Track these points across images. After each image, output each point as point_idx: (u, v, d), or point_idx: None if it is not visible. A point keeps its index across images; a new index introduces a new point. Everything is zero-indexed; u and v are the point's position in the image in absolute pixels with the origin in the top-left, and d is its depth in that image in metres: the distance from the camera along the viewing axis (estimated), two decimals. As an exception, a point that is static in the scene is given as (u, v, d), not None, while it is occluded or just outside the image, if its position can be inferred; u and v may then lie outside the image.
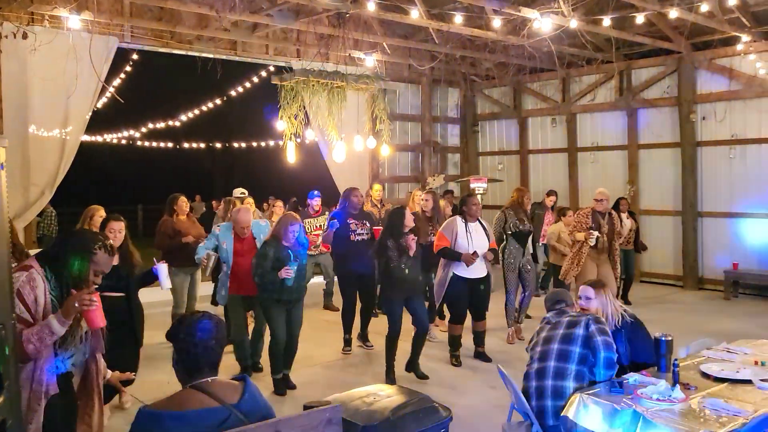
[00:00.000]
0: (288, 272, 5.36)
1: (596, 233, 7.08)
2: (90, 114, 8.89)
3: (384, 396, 3.23)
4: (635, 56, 11.15)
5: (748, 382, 3.56)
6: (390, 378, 5.86)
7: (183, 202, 7.13)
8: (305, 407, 2.66)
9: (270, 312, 5.64)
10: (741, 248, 10.00)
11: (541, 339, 3.99)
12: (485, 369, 6.25)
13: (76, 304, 2.85)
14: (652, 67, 11.00)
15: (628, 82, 11.29)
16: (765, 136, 9.75)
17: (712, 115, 10.29)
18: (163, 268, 4.84)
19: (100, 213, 5.79)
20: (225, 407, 2.37)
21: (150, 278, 4.92)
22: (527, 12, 7.97)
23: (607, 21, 8.41)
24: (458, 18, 8.54)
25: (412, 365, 6.08)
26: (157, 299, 8.69)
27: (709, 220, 10.43)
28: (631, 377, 3.66)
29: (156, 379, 5.56)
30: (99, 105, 9.17)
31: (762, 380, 3.56)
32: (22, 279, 2.84)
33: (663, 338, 3.86)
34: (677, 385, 3.42)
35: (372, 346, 7.11)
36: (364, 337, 7.22)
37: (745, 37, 9.27)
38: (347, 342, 7.06)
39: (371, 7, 7.35)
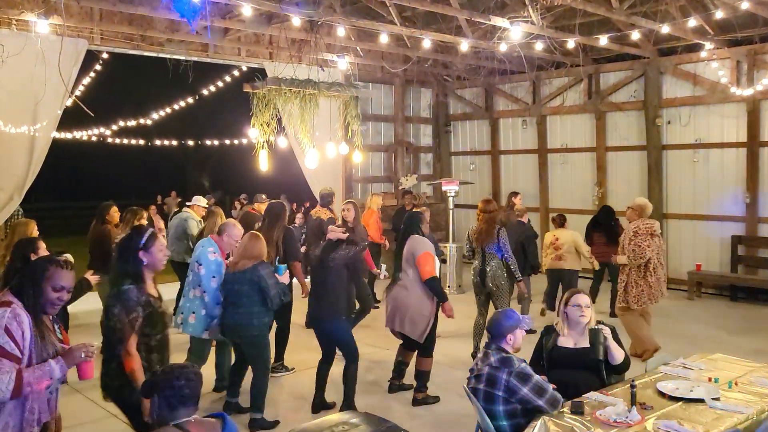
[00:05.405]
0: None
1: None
2: (59, 117, 8.77)
3: (353, 425, 3.32)
4: (603, 60, 11.35)
5: (701, 401, 3.74)
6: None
7: (115, 212, 7.06)
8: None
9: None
10: (703, 250, 10.32)
11: (469, 389, 3.82)
12: (453, 379, 6.10)
13: (83, 355, 2.92)
14: (619, 71, 11.22)
15: (596, 85, 11.49)
16: (727, 141, 10.05)
17: (677, 120, 10.55)
18: None
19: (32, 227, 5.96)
20: None
21: None
22: (497, 21, 8.09)
23: (571, 43, 8.55)
24: (427, 42, 8.59)
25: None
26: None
27: (673, 222, 10.71)
28: (592, 396, 3.81)
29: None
30: (69, 103, 9.05)
31: (713, 398, 3.75)
32: (7, 315, 2.78)
33: None
34: (634, 406, 3.58)
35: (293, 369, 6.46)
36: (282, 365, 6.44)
37: (708, 45, 9.51)
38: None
39: (341, 32, 7.34)
